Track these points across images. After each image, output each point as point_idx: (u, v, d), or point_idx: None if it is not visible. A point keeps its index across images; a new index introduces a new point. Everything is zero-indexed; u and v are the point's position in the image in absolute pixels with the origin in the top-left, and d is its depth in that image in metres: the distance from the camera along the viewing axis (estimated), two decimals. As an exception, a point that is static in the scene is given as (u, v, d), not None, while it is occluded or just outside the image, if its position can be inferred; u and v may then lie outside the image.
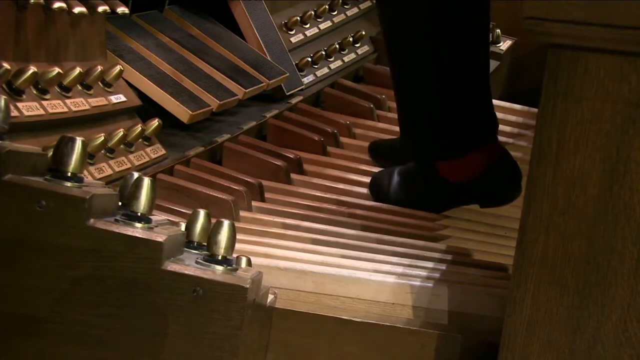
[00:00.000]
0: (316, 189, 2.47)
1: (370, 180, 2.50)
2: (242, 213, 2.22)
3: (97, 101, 2.15)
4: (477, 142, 2.38)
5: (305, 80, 3.07)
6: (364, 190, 2.51)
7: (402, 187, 2.40)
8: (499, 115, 3.06)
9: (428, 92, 2.36)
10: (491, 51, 3.72)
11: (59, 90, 2.03)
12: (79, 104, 2.08)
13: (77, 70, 2.05)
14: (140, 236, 1.30)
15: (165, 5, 2.83)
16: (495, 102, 3.16)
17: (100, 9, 2.16)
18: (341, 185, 2.52)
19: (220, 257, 1.35)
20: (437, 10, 2.27)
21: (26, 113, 1.89)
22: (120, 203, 1.40)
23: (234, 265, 1.36)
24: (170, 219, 1.92)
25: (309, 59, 3.12)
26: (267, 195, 2.37)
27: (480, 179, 2.36)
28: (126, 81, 2.33)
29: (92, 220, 1.30)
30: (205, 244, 1.39)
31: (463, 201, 2.41)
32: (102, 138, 2.05)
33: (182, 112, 2.41)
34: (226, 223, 1.37)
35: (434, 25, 2.29)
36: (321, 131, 2.77)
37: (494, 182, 2.37)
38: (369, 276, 1.72)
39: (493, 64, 3.70)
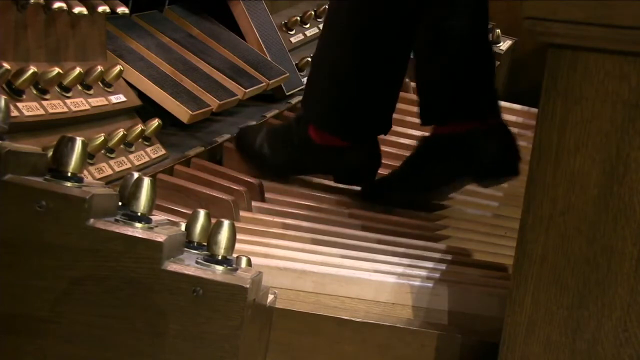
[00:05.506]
0: (316, 188, 2.47)
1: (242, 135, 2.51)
2: (242, 213, 2.22)
3: (97, 101, 2.15)
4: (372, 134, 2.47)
5: (305, 80, 3.07)
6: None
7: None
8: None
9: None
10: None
11: (59, 90, 2.03)
12: (79, 104, 2.08)
13: (77, 70, 2.05)
14: (140, 236, 1.30)
15: (165, 5, 2.83)
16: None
17: (100, 9, 2.16)
18: (341, 185, 2.51)
19: (220, 257, 1.35)
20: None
21: (26, 113, 1.89)
22: (120, 203, 1.40)
23: (234, 265, 1.36)
24: (170, 219, 1.92)
25: (309, 59, 3.12)
26: (267, 195, 2.37)
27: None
28: (126, 81, 2.33)
29: (92, 220, 1.30)
30: (205, 244, 1.39)
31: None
32: (102, 138, 2.05)
33: (182, 112, 2.41)
34: (226, 223, 1.37)
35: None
36: (321, 131, 2.77)
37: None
38: (369, 276, 1.72)
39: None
